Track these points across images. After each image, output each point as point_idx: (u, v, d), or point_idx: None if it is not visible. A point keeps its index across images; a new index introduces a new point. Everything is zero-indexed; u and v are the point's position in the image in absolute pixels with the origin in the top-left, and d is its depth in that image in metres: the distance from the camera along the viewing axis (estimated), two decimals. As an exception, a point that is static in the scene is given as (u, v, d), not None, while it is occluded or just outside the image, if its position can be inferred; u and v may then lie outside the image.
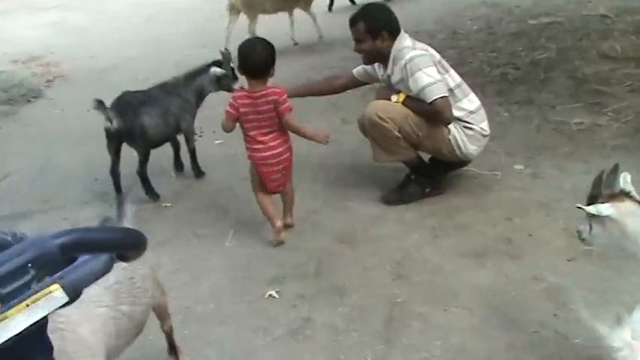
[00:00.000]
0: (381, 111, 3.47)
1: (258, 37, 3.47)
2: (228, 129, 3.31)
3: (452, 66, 3.63)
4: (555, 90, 5.11)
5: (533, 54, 5.97)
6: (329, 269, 3.12)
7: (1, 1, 12.46)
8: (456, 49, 6.58)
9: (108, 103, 3.87)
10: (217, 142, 4.88)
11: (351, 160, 4.32)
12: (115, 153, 3.87)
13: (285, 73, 6.44)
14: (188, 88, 4.11)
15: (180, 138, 4.31)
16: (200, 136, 5.06)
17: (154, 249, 3.44)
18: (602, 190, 2.03)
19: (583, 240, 2.13)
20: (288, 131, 3.34)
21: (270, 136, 3.26)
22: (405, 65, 3.37)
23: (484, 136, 3.57)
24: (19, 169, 4.73)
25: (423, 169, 3.69)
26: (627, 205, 1.99)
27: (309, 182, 4.05)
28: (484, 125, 3.57)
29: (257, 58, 3.17)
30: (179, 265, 3.28)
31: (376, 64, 3.70)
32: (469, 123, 3.51)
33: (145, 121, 3.80)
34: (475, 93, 3.69)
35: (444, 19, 8.02)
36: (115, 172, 3.90)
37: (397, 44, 3.47)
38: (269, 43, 3.28)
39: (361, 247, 3.28)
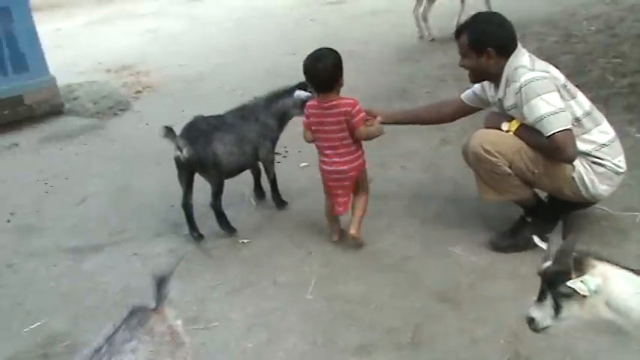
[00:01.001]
0: (488, 143, 2.90)
1: (322, 49, 3.19)
2: (306, 138, 3.31)
3: (567, 75, 3.02)
4: (700, 105, 4.31)
5: (668, 60, 5.13)
6: (429, 337, 2.59)
7: (103, 8, 12.74)
8: (571, 55, 5.83)
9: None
10: (303, 164, 4.45)
11: (452, 191, 3.76)
12: (187, 184, 3.52)
13: (374, 83, 5.96)
14: (269, 112, 3.68)
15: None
16: (284, 157, 4.67)
17: (226, 297, 3.07)
18: (569, 260, 1.70)
19: (541, 330, 1.79)
20: (362, 143, 3.25)
21: (335, 151, 3.18)
22: (520, 89, 2.79)
23: (619, 173, 2.92)
24: (97, 191, 4.51)
25: (541, 210, 3.08)
26: (607, 269, 1.70)
27: (403, 219, 3.54)
28: (619, 161, 2.91)
29: (321, 73, 3.09)
30: (254, 321, 2.86)
31: (486, 83, 3.13)
32: (599, 158, 2.87)
33: (218, 150, 3.42)
34: (598, 109, 3.04)
35: (555, 18, 7.23)
36: (187, 205, 3.54)
37: (512, 62, 2.89)
38: (334, 54, 3.12)
39: (467, 308, 2.73)
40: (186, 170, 3.46)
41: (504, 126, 2.95)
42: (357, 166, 3.22)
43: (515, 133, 2.90)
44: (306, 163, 4.43)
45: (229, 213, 3.78)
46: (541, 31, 6.73)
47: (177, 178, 3.53)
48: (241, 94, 6.19)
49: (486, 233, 3.21)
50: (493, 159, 2.88)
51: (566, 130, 2.71)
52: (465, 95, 3.32)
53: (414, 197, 3.76)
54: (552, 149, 2.76)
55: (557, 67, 5.51)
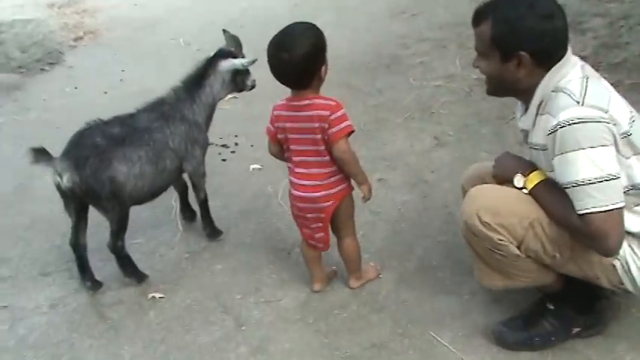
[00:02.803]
0: (488, 211, 1.89)
1: (293, 28, 2.15)
2: (272, 151, 2.36)
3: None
4: None
5: None
6: None
7: None
8: (602, 19, 4.68)
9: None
10: (254, 166, 3.44)
11: (443, 228, 2.77)
12: (78, 215, 2.52)
13: (358, 44, 4.84)
14: (197, 105, 2.67)
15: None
16: (233, 152, 3.65)
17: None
18: None
19: None
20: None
21: (307, 170, 2.23)
22: (556, 130, 1.75)
23: None
24: (-12, 190, 3.50)
25: (568, 294, 2.11)
26: None
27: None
28: None
29: (288, 68, 2.11)
30: None
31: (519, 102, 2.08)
32: None
33: (120, 174, 2.41)
34: (633, 104, 1.95)
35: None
36: (77, 243, 2.55)
37: (553, 76, 1.84)
38: (309, 37, 2.11)
39: None
40: (74, 201, 2.46)
41: (518, 180, 1.94)
42: (335, 194, 2.25)
43: (532, 192, 1.90)
44: (258, 166, 3.43)
45: (145, 240, 2.86)
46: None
47: (64, 208, 2.53)
48: (197, 49, 5.12)
49: (488, 312, 2.26)
50: (494, 235, 1.89)
51: (611, 210, 1.71)
52: None
53: (392, 235, 2.78)
54: (584, 233, 1.77)
55: (584, 34, 4.61)
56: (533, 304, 2.17)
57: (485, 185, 2.03)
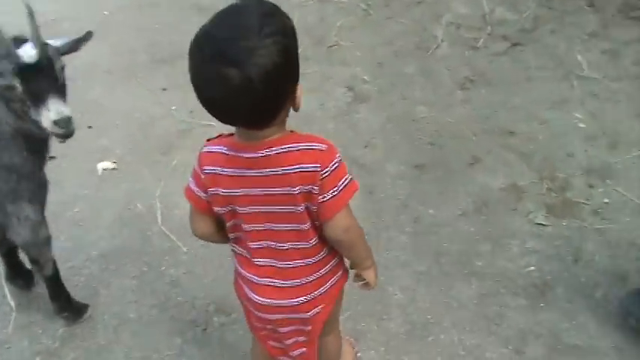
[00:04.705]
0: None
1: (246, 7, 1.01)
2: (198, 232, 1.28)
3: None
4: None
5: None
6: None
7: None
8: None
9: None
10: (103, 166, 2.33)
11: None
12: None
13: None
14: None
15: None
16: (62, 141, 2.44)
17: None
18: None
19: None
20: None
21: (276, 262, 1.24)
22: None
23: None
24: None
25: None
26: None
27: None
28: None
29: (249, 89, 0.97)
30: None
31: None
32: None
33: None
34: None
35: None
36: None
37: None
38: (279, 26, 1.00)
39: None
40: None
41: None
42: (327, 293, 1.29)
43: None
44: (109, 164, 2.32)
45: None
46: None
47: None
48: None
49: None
50: None
51: None
52: None
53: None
54: None
55: None
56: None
57: None
